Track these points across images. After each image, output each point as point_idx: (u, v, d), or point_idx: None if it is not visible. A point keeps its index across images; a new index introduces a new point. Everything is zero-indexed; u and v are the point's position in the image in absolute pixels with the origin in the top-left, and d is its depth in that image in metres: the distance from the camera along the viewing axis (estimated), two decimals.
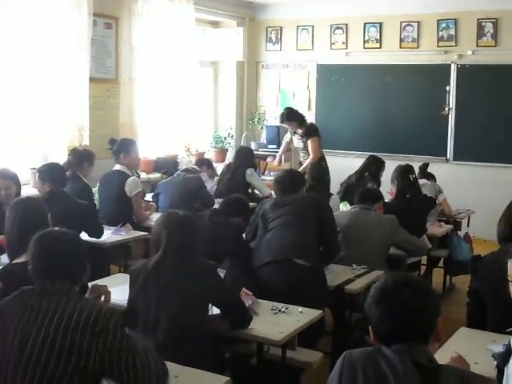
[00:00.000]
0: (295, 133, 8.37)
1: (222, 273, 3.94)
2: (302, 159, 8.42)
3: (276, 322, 3.69)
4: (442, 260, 6.96)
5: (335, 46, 10.14)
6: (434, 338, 2.09)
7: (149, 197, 7.01)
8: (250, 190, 7.49)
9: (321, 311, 3.90)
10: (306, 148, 8.24)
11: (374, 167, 6.98)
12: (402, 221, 5.41)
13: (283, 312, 3.81)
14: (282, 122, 8.43)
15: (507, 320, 2.72)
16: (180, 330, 3.29)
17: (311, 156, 8.10)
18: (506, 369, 2.49)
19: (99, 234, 5.43)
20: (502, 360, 2.57)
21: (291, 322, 3.67)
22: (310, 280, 4.38)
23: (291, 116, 8.28)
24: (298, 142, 8.39)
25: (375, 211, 5.40)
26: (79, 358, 2.41)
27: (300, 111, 8.58)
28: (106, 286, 3.34)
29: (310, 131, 8.24)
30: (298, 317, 3.75)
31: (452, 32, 9.34)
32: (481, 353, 3.04)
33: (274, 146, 9.67)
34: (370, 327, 2.13)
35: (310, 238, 4.55)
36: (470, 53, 9.24)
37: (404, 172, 6.28)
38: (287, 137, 8.73)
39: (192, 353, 3.26)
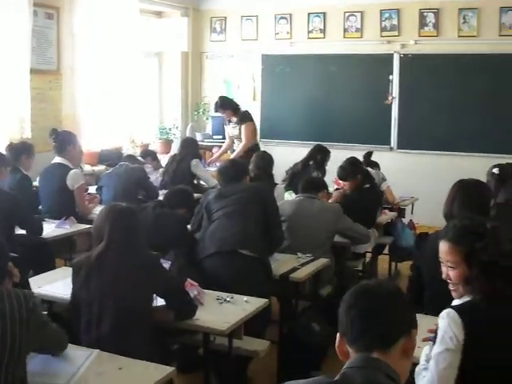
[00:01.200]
0: (229, 121, 8.38)
1: (166, 264, 3.94)
2: (236, 148, 8.45)
3: (221, 311, 3.69)
4: (387, 247, 7.05)
5: (279, 36, 10.14)
6: (403, 351, 1.91)
7: (93, 189, 6.92)
8: (195, 181, 7.46)
9: (266, 300, 3.90)
10: (238, 132, 8.32)
11: (319, 156, 7.02)
12: (358, 210, 5.47)
13: (229, 302, 3.81)
14: (216, 111, 8.47)
15: (441, 300, 2.76)
16: (124, 321, 3.28)
17: (244, 142, 8.20)
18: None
19: (36, 228, 5.34)
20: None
21: (237, 312, 3.67)
22: (254, 270, 4.40)
23: (225, 104, 8.32)
24: (233, 131, 8.41)
25: (319, 200, 5.42)
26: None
27: (245, 101, 8.60)
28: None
29: (245, 117, 8.35)
30: (244, 306, 3.75)
31: (395, 22, 9.44)
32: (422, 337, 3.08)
33: (220, 137, 9.65)
34: (338, 336, 1.95)
35: (253, 228, 4.55)
36: (412, 42, 9.36)
37: (359, 164, 6.35)
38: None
39: (137, 344, 3.25)
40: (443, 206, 3.79)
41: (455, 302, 2.68)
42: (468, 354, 2.46)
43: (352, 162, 6.29)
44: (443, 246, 2.70)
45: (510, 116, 8.84)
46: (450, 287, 2.71)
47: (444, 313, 2.54)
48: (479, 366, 2.46)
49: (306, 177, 6.00)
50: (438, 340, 2.52)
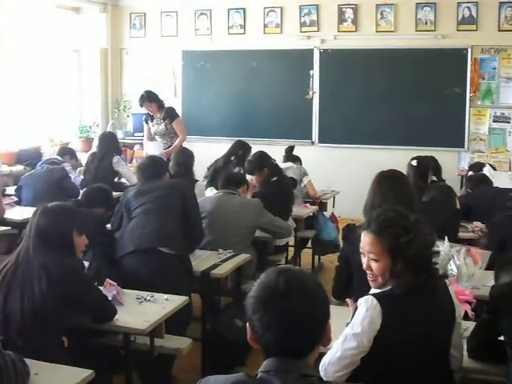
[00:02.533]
0: (153, 118, 8.30)
1: (85, 264, 3.86)
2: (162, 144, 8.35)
3: (141, 310, 3.65)
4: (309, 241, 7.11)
5: (200, 32, 10.12)
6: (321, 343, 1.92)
7: (12, 190, 6.76)
8: (116, 179, 7.35)
9: (186, 297, 3.88)
10: (168, 131, 8.24)
11: (240, 151, 7.01)
12: (272, 204, 5.48)
13: (149, 301, 3.78)
14: (141, 104, 8.30)
15: (370, 288, 2.80)
16: (37, 325, 3.19)
17: (180, 136, 8.19)
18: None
19: None
20: None
21: (157, 310, 3.64)
22: (174, 267, 4.35)
23: (152, 97, 8.24)
24: (157, 127, 8.31)
25: (239, 195, 5.41)
26: None
27: (166, 98, 8.54)
28: None
29: (173, 113, 8.34)
30: (164, 304, 3.73)
31: (314, 18, 9.53)
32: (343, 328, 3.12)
33: (141, 134, 9.53)
34: (249, 329, 1.89)
35: (173, 226, 4.51)
36: (331, 38, 9.48)
37: (268, 157, 6.34)
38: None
39: (52, 348, 3.18)
40: (366, 199, 3.85)
41: (373, 291, 2.71)
42: (381, 339, 2.53)
43: (258, 155, 6.32)
44: (366, 238, 2.72)
45: (426, 109, 9.05)
46: (369, 277, 2.73)
47: (363, 299, 2.59)
48: (389, 352, 2.54)
49: (226, 173, 5.99)
50: (352, 321, 2.59)
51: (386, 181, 3.81)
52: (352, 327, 2.58)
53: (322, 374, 2.56)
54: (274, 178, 6.16)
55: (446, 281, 2.81)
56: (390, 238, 2.63)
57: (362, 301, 2.60)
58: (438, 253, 2.82)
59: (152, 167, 4.88)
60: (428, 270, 2.68)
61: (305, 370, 1.84)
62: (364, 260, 2.74)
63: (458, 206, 5.37)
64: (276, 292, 1.84)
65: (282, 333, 1.81)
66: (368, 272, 2.72)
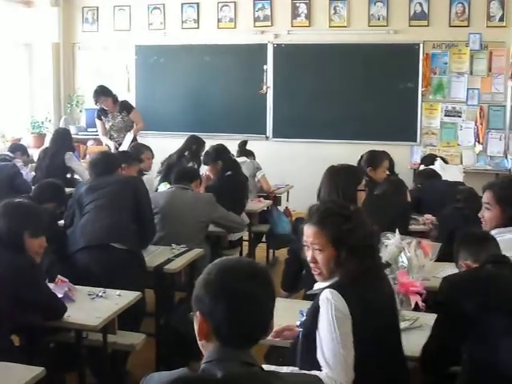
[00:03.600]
0: (106, 113, 8.24)
1: None
2: (117, 139, 8.30)
3: (93, 307, 3.63)
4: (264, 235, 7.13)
5: (153, 27, 10.04)
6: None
7: None
8: (69, 175, 7.27)
9: (139, 293, 3.86)
10: (125, 124, 8.24)
11: (194, 146, 7.01)
12: (225, 198, 5.48)
13: (101, 296, 3.75)
14: (97, 100, 8.21)
15: (315, 283, 2.82)
16: None
17: (140, 124, 8.28)
18: (317, 333, 2.58)
19: None
20: (306, 332, 2.65)
21: (109, 306, 3.62)
22: (126, 263, 4.32)
23: (107, 91, 8.20)
24: (113, 121, 8.27)
25: (192, 190, 5.39)
26: None
27: (119, 93, 8.50)
28: None
29: (129, 105, 8.42)
30: (116, 300, 3.71)
31: (268, 12, 9.55)
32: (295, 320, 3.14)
33: (94, 130, 9.43)
34: (199, 316, 1.88)
35: (124, 221, 4.49)
36: (285, 33, 9.50)
37: (224, 151, 6.35)
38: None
39: (1, 347, 3.14)
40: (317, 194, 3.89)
41: (320, 285, 2.73)
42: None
43: (215, 148, 6.37)
44: (309, 230, 2.73)
45: (379, 104, 9.15)
46: (314, 271, 2.74)
47: (324, 295, 2.59)
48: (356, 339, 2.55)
49: (179, 167, 5.96)
50: (327, 326, 2.54)
51: (334, 175, 3.86)
52: (331, 332, 2.54)
53: None
54: (229, 173, 6.17)
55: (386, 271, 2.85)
56: (331, 227, 2.66)
57: (323, 297, 2.59)
58: (379, 240, 2.85)
59: (103, 162, 4.84)
60: (372, 257, 2.72)
61: (248, 358, 1.86)
62: (308, 253, 2.74)
63: (409, 199, 5.45)
64: (225, 277, 1.87)
65: (231, 318, 1.84)
66: (312, 265, 2.72)
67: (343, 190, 3.73)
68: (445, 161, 7.07)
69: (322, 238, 2.68)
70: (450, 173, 6.46)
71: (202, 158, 6.85)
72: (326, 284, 2.67)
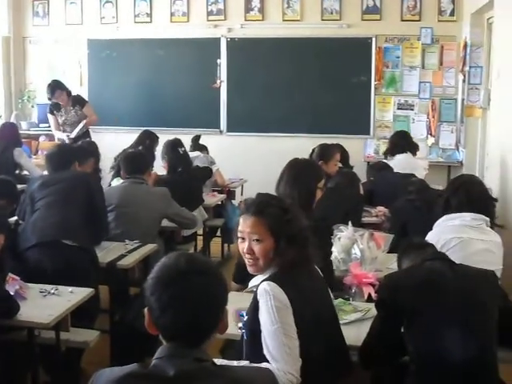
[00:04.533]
0: (59, 108, 8.14)
1: None
2: (69, 134, 8.22)
3: (45, 304, 3.58)
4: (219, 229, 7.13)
5: (105, 21, 9.93)
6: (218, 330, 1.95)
7: None
8: (17, 171, 7.14)
9: (92, 289, 3.83)
10: (79, 118, 8.19)
11: (147, 141, 6.97)
12: (176, 194, 5.45)
13: (53, 294, 3.70)
14: (52, 94, 8.10)
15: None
16: None
17: (94, 117, 8.26)
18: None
19: None
20: (251, 329, 2.65)
21: (61, 303, 3.58)
22: (78, 260, 4.27)
23: (62, 86, 8.14)
24: (66, 116, 8.21)
25: (146, 184, 5.33)
26: None
27: (72, 88, 8.43)
28: None
29: (82, 98, 8.41)
30: (69, 297, 3.67)
31: (221, 6, 9.52)
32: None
33: (47, 125, 9.31)
34: (147, 313, 1.91)
35: (76, 218, 4.42)
36: (238, 26, 9.49)
37: (173, 146, 6.31)
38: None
39: None
40: (275, 186, 3.90)
41: (255, 281, 2.75)
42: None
43: (165, 143, 6.36)
44: (247, 221, 2.73)
45: (333, 97, 9.21)
46: (248, 262, 2.75)
47: (262, 287, 2.59)
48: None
49: (128, 155, 5.69)
50: (268, 318, 2.55)
51: (293, 169, 3.88)
52: (273, 323, 2.54)
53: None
54: (180, 169, 6.17)
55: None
56: (270, 217, 2.68)
57: (261, 291, 2.59)
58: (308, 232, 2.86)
59: (58, 156, 4.77)
60: (308, 247, 2.75)
61: (199, 354, 1.87)
62: (244, 245, 2.74)
63: (362, 191, 5.51)
64: (176, 271, 1.89)
65: (180, 313, 1.84)
66: (248, 256, 2.73)
67: (305, 184, 3.75)
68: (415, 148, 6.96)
69: (260, 228, 2.69)
70: (411, 167, 6.48)
71: (156, 152, 6.83)
72: (262, 278, 2.68)
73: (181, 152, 6.28)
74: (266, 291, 2.57)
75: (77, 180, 4.65)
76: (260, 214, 2.70)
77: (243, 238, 2.75)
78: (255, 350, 2.58)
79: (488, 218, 3.85)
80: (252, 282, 2.78)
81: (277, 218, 2.69)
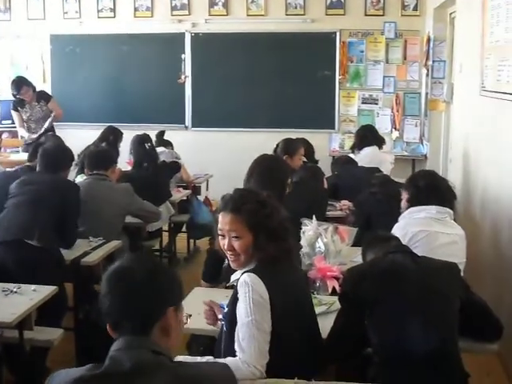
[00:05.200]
0: (23, 104, 8.06)
1: None
2: (36, 129, 8.15)
3: (8, 303, 3.53)
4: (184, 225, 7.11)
5: (68, 16, 9.84)
6: (161, 330, 1.97)
7: None
8: None
9: (55, 287, 3.78)
10: (44, 114, 8.13)
11: (111, 137, 6.92)
12: (142, 189, 5.42)
13: (15, 292, 3.65)
14: (19, 90, 8.00)
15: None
16: None
17: (59, 112, 8.19)
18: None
19: None
20: (230, 320, 2.66)
21: (24, 302, 3.54)
22: (42, 260, 4.19)
23: (27, 81, 8.08)
24: (31, 112, 8.12)
25: (110, 180, 5.28)
26: None
27: (35, 84, 8.31)
28: None
29: (47, 94, 8.34)
30: (32, 295, 3.62)
31: (185, 1, 9.51)
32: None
33: (9, 122, 9.19)
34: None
35: (42, 220, 4.33)
36: (203, 22, 9.47)
37: (140, 141, 6.29)
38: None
39: None
40: (243, 182, 3.90)
41: (237, 275, 2.75)
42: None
43: (132, 139, 6.35)
44: (225, 218, 2.73)
45: (298, 92, 9.24)
46: (230, 258, 2.76)
47: (242, 278, 2.61)
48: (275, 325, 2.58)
49: (92, 151, 5.68)
50: (244, 308, 2.56)
51: (262, 165, 3.90)
52: (247, 315, 2.56)
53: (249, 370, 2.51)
54: (145, 164, 6.15)
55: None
56: (248, 213, 2.68)
57: (242, 282, 2.60)
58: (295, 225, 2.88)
59: (54, 157, 4.73)
60: (288, 239, 2.76)
61: (154, 347, 1.91)
62: (224, 241, 2.75)
63: (326, 185, 5.52)
64: (120, 269, 1.99)
65: (117, 297, 1.94)
66: (229, 252, 2.74)
67: (276, 181, 3.77)
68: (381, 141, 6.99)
69: (239, 225, 2.69)
70: (378, 161, 6.52)
71: (119, 149, 6.79)
72: (246, 269, 2.69)
73: (147, 147, 6.26)
74: (245, 283, 2.58)
75: (55, 185, 4.55)
76: (237, 210, 2.70)
77: (223, 235, 2.75)
78: (233, 340, 2.60)
79: (452, 211, 3.90)
80: (234, 276, 2.79)
81: (254, 214, 2.68)
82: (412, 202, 3.93)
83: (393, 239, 3.25)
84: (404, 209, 3.99)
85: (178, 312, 2.02)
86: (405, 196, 4.02)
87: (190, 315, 2.68)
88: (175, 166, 6.84)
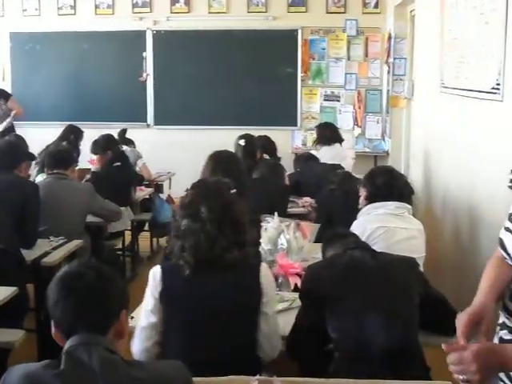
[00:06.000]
0: None
1: None
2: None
3: None
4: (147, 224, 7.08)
5: (28, 13, 9.72)
6: (116, 333, 2.00)
7: None
8: None
9: (15, 288, 3.74)
10: (4, 112, 8.06)
11: (72, 136, 6.87)
12: (108, 188, 5.40)
13: None
14: None
15: None
16: None
17: (19, 110, 8.13)
18: None
19: None
20: None
21: None
22: (3, 260, 4.13)
23: None
24: None
25: (71, 179, 5.24)
26: None
27: None
28: None
29: (6, 92, 8.30)
30: None
31: None
32: None
33: None
34: (52, 323, 2.00)
35: (2, 220, 4.30)
36: (164, 19, 9.43)
37: (116, 142, 6.31)
38: None
39: None
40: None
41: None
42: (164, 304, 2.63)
43: (106, 137, 6.32)
44: None
45: (260, 89, 9.26)
46: None
47: (151, 271, 2.68)
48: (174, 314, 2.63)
49: (51, 150, 5.60)
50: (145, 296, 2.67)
51: (215, 161, 3.88)
52: (146, 304, 2.65)
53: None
54: (118, 163, 6.12)
55: (263, 264, 2.80)
56: None
57: (150, 273, 2.68)
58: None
59: (4, 155, 4.66)
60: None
61: (109, 345, 1.92)
62: None
63: (288, 182, 5.54)
64: (70, 273, 1.99)
65: (79, 307, 1.93)
66: None
67: (235, 177, 3.77)
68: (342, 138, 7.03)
69: None
70: (340, 157, 6.55)
71: (80, 147, 6.74)
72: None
73: (120, 147, 6.28)
74: (152, 272, 2.68)
75: (14, 184, 4.51)
76: None
77: None
78: None
79: (410, 206, 3.94)
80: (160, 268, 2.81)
81: None
82: (370, 200, 3.96)
83: (350, 236, 3.28)
84: (362, 206, 4.02)
85: (127, 315, 2.05)
86: (363, 193, 4.04)
87: (133, 317, 2.80)
88: (140, 179, 6.84)
